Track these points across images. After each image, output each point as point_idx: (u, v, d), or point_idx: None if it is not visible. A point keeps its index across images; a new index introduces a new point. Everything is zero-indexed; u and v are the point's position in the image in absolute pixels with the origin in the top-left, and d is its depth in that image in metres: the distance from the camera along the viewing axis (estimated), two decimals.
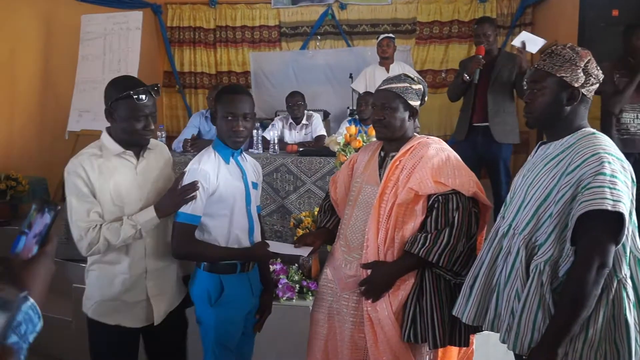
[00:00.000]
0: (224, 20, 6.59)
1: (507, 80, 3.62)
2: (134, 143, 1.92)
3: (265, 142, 4.07)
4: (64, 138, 5.00)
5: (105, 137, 1.93)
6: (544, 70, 1.59)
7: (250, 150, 3.95)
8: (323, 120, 5.08)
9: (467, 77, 3.65)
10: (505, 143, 3.68)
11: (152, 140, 2.00)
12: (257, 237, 2.11)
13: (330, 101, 5.82)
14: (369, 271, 1.86)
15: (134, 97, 1.83)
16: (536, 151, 1.69)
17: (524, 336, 1.51)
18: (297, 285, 2.93)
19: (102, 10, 5.17)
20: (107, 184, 1.87)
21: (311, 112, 4.63)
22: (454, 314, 1.76)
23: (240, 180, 2.03)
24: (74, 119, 4.92)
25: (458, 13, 6.11)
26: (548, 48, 1.65)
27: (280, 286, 2.85)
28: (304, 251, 2.06)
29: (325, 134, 4.43)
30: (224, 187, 1.97)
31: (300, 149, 3.83)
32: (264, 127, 4.60)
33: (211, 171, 1.95)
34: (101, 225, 1.84)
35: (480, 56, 3.60)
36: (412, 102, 1.93)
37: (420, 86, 1.97)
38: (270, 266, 2.72)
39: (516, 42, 3.63)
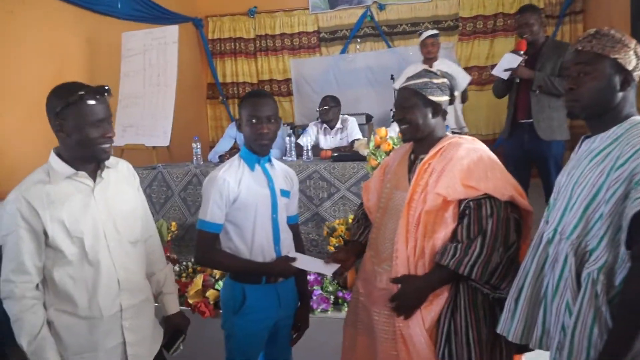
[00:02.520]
0: (263, 29, 6.69)
1: (551, 73, 3.36)
2: (92, 158, 1.66)
3: (299, 149, 4.00)
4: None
5: (53, 159, 1.65)
6: (593, 52, 1.42)
7: (283, 157, 3.89)
8: (366, 124, 4.95)
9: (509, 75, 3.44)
10: (553, 140, 3.41)
11: (111, 157, 1.76)
12: (286, 248, 2.04)
13: (372, 104, 5.70)
14: (399, 285, 1.73)
15: (85, 100, 1.57)
16: (580, 146, 1.52)
17: (578, 355, 1.33)
18: (332, 297, 2.84)
19: (143, 27, 5.28)
20: (59, 214, 1.58)
21: (346, 115, 4.51)
22: (498, 331, 1.58)
23: (265, 188, 2.00)
24: (118, 134, 5.02)
25: (502, 5, 5.85)
26: (587, 32, 1.48)
27: (314, 297, 2.75)
28: (330, 269, 1.95)
29: (361, 137, 4.29)
30: (246, 194, 1.95)
31: (334, 154, 3.72)
32: (300, 133, 4.53)
33: (231, 178, 1.95)
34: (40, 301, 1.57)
35: (522, 52, 3.40)
36: (434, 98, 1.78)
37: (444, 80, 1.82)
38: None
39: (496, 71, 3.48)
